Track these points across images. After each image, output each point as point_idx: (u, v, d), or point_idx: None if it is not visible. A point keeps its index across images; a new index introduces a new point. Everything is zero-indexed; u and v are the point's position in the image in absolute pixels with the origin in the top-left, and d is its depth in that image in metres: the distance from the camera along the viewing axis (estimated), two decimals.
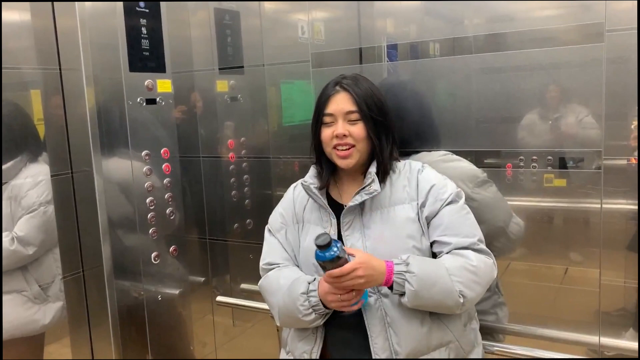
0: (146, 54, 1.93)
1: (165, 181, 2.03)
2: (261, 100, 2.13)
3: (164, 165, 2.02)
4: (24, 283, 1.80)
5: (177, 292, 2.11)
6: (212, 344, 2.33)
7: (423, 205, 1.44)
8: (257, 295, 1.93)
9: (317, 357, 1.46)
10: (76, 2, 1.78)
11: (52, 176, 1.86)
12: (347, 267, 1.29)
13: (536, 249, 1.66)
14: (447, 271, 1.35)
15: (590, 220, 1.56)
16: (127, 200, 1.93)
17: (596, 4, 1.45)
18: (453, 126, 1.71)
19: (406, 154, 1.67)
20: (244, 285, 2.23)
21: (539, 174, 1.60)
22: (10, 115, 1.73)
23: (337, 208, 1.49)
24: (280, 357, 1.61)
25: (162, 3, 1.97)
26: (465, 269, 1.36)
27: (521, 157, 1.62)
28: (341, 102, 1.45)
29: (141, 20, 1.91)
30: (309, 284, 1.41)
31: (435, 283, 1.33)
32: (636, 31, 1.41)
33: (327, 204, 1.48)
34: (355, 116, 1.44)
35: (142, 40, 1.91)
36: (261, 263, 1.57)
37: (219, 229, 2.26)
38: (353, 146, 1.44)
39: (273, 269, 1.53)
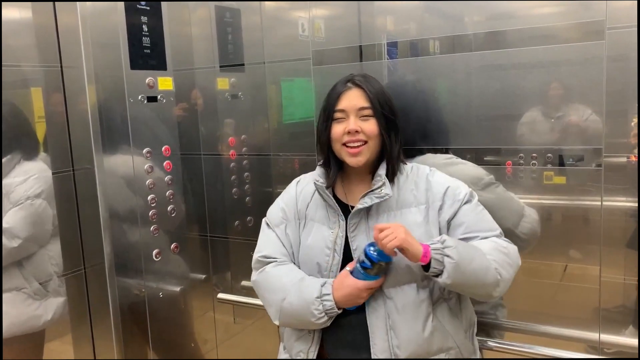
0: (147, 51, 1.93)
1: (166, 178, 2.03)
2: (262, 97, 2.13)
3: (165, 163, 2.02)
4: (23, 280, 1.80)
5: (178, 289, 2.11)
6: (213, 341, 2.34)
7: (440, 208, 1.43)
8: None
9: (314, 357, 1.45)
10: (77, 1, 1.78)
11: (53, 173, 1.86)
12: (390, 224, 1.33)
13: (536, 246, 1.66)
14: (481, 251, 1.36)
15: (591, 217, 1.56)
16: (128, 197, 1.94)
17: (596, 2, 1.45)
18: (453, 124, 1.71)
19: (407, 152, 1.67)
20: (244, 283, 2.23)
21: (538, 171, 1.60)
22: (5, 114, 1.72)
23: (343, 208, 1.47)
24: (279, 352, 1.61)
25: (162, 1, 1.98)
26: (498, 250, 1.38)
27: (521, 155, 1.62)
28: (354, 99, 1.43)
29: (142, 18, 1.91)
30: (322, 287, 1.39)
31: (474, 258, 1.33)
32: (636, 29, 1.41)
33: (337, 205, 1.46)
34: (367, 112, 1.43)
35: (143, 38, 1.91)
36: (256, 255, 1.54)
37: (220, 226, 2.27)
38: (365, 143, 1.42)
39: (269, 262, 1.50)
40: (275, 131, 2.14)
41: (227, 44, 2.15)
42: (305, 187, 1.55)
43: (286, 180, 1.67)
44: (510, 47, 1.58)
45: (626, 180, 1.49)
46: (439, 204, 1.43)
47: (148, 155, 1.97)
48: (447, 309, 1.45)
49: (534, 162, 1.60)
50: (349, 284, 1.37)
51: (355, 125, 1.41)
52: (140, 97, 1.93)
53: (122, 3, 1.84)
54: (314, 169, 1.57)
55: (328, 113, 1.46)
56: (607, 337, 1.55)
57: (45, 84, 1.84)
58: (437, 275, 1.32)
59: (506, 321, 1.69)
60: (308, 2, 1.93)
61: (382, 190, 1.41)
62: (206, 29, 2.16)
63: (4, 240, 1.73)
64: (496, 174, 1.65)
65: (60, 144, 1.88)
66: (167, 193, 2.04)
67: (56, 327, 1.93)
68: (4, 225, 1.74)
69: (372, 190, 1.42)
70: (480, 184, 1.59)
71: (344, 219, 1.45)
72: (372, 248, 1.35)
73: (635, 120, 1.45)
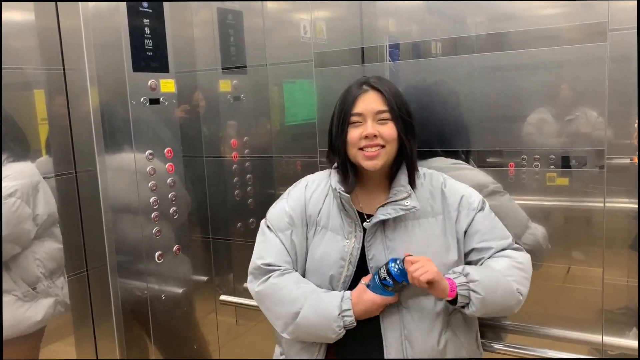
0: (149, 54, 1.93)
1: (168, 180, 2.03)
2: (264, 99, 2.13)
3: (167, 165, 2.03)
4: (12, 283, 1.77)
5: (180, 291, 2.11)
6: (216, 343, 2.34)
7: (457, 218, 1.41)
8: None
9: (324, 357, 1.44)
10: (80, 2, 1.78)
11: (56, 176, 1.86)
12: (420, 257, 1.30)
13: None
14: (501, 273, 1.35)
15: (593, 219, 1.56)
16: (130, 199, 1.94)
17: (599, 3, 1.45)
18: (456, 125, 1.70)
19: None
20: (247, 285, 2.23)
21: (541, 173, 1.60)
22: None
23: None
24: (275, 353, 1.59)
25: (165, 3, 1.98)
26: (515, 268, 1.38)
27: (523, 156, 1.62)
28: (371, 102, 1.38)
29: (144, 20, 1.91)
30: (341, 302, 1.36)
31: (497, 286, 1.33)
32: (636, 31, 1.41)
33: (358, 217, 1.40)
34: (385, 116, 1.38)
35: (146, 40, 1.92)
36: (258, 262, 1.46)
37: (222, 228, 2.27)
38: (383, 147, 1.37)
39: (273, 271, 1.44)
40: (278, 133, 2.14)
41: (229, 46, 2.16)
42: (315, 191, 1.49)
43: (288, 182, 1.66)
44: (512, 49, 1.58)
45: (629, 182, 1.48)
46: (455, 214, 1.41)
47: (150, 157, 1.97)
48: (462, 319, 1.44)
49: (536, 163, 1.60)
50: (368, 298, 1.34)
51: (374, 130, 1.36)
52: (142, 99, 1.93)
53: (125, 5, 1.85)
54: (315, 171, 1.56)
55: (344, 117, 1.40)
56: (610, 340, 1.55)
57: (48, 86, 1.85)
58: (464, 307, 1.32)
59: (509, 323, 1.68)
60: (310, 3, 1.93)
61: (409, 203, 1.36)
62: (208, 31, 2.16)
63: None
64: (499, 175, 1.64)
65: (62, 147, 1.88)
66: (170, 195, 2.04)
67: (58, 328, 1.93)
68: None
69: (395, 201, 1.37)
70: (486, 191, 1.57)
71: (362, 230, 1.40)
72: (394, 265, 1.32)
73: (637, 122, 1.45)
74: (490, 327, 1.67)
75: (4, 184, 1.72)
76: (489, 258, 1.41)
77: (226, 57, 2.16)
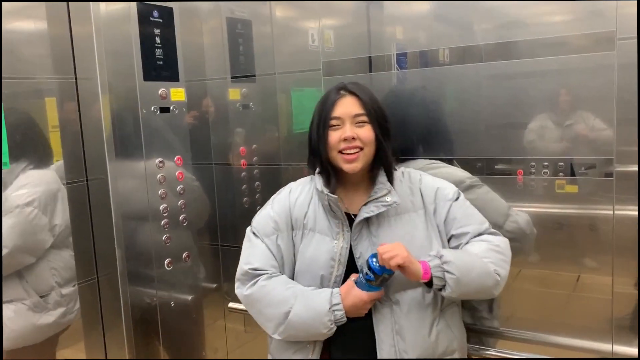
0: (160, 63, 1.96)
1: (178, 188, 2.05)
2: (272, 107, 2.14)
3: (177, 173, 2.04)
4: (23, 292, 1.77)
5: (189, 298, 2.12)
6: (224, 350, 2.34)
7: (435, 211, 1.47)
8: None
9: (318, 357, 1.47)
10: (91, 3, 1.79)
11: (67, 184, 1.88)
12: (392, 244, 1.35)
13: (548, 255, 1.65)
14: (477, 255, 1.39)
15: (603, 226, 1.55)
16: (141, 207, 1.96)
17: (608, 10, 1.45)
18: (464, 134, 1.71)
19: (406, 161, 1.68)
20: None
21: (550, 180, 1.60)
22: (17, 123, 1.72)
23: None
24: None
25: (175, 12, 2.00)
26: (492, 250, 1.41)
27: (532, 164, 1.62)
28: (349, 106, 1.45)
29: (155, 30, 1.94)
30: (331, 297, 1.40)
31: (472, 267, 1.36)
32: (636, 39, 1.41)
33: (345, 217, 1.46)
34: (363, 119, 1.44)
35: (156, 50, 1.94)
36: (245, 267, 1.49)
37: (231, 236, 2.28)
38: (361, 149, 1.43)
39: (260, 275, 1.48)
40: (286, 140, 2.15)
41: (238, 55, 2.18)
42: (299, 196, 1.54)
43: None
44: (521, 58, 1.58)
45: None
46: (432, 207, 1.47)
47: (160, 165, 1.99)
48: (458, 313, 1.50)
49: (545, 170, 1.60)
50: (355, 294, 1.39)
51: (352, 132, 1.42)
52: (153, 108, 1.95)
53: (135, 12, 1.87)
54: None
55: (324, 121, 1.46)
56: (620, 348, 1.54)
57: (60, 94, 1.86)
58: (440, 289, 1.35)
59: (518, 331, 1.68)
60: (318, 11, 1.94)
61: (389, 199, 1.42)
62: (218, 40, 2.18)
63: None
64: (507, 183, 1.65)
65: (74, 154, 1.90)
66: (179, 202, 2.06)
67: (69, 334, 1.94)
68: None
69: (376, 198, 1.43)
70: (464, 186, 1.62)
71: (349, 229, 1.45)
72: (374, 260, 1.36)
73: None
74: (500, 335, 1.67)
75: (22, 192, 1.73)
76: (466, 243, 1.45)
77: (235, 66, 2.18)
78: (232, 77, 2.19)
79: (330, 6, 1.93)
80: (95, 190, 1.92)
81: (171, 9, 1.99)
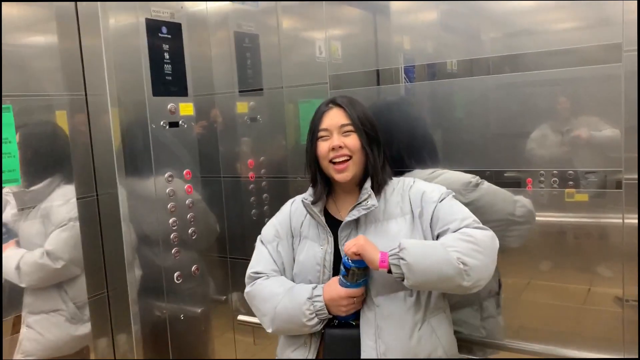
0: (169, 78, 1.97)
1: (187, 201, 2.06)
2: (280, 120, 2.16)
3: (186, 186, 2.06)
4: (61, 302, 1.83)
5: (199, 310, 2.13)
6: None
7: (421, 214, 1.50)
8: None
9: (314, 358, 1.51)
10: (101, 24, 1.81)
11: (78, 199, 1.89)
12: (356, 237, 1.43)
13: (557, 265, 1.65)
14: (441, 245, 1.39)
15: (613, 236, 1.55)
16: (150, 221, 1.97)
17: (614, 18, 1.46)
18: (472, 145, 1.72)
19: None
20: None
21: (559, 189, 1.60)
22: (47, 135, 1.78)
23: (336, 223, 1.55)
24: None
25: (183, 27, 2.02)
26: (460, 240, 1.39)
27: (542, 172, 1.62)
28: (336, 117, 1.54)
29: (164, 45, 1.96)
30: (313, 289, 1.48)
31: (428, 254, 1.37)
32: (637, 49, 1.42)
33: (325, 223, 1.55)
34: (349, 128, 1.53)
35: (165, 65, 1.96)
36: (249, 271, 1.62)
37: (240, 248, 2.28)
38: (350, 158, 1.51)
39: (260, 277, 1.58)
40: (293, 153, 2.16)
41: (246, 69, 2.19)
42: (299, 205, 1.64)
43: None
44: (529, 69, 1.59)
45: None
46: (418, 210, 1.50)
47: (170, 179, 2.00)
48: (445, 318, 1.53)
49: (554, 179, 1.60)
50: (333, 288, 1.46)
51: (339, 141, 1.51)
52: (162, 122, 1.97)
53: (144, 27, 1.89)
54: None
55: (313, 133, 1.57)
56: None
57: (70, 108, 1.88)
58: (403, 280, 1.37)
59: (526, 344, 1.67)
60: (324, 21, 1.95)
61: (368, 202, 1.49)
62: (225, 54, 2.19)
63: (49, 262, 1.77)
64: (517, 193, 1.65)
65: (84, 169, 1.91)
66: (188, 216, 2.06)
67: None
68: (47, 247, 1.78)
69: (359, 203, 1.50)
70: (470, 186, 1.66)
71: (332, 235, 1.54)
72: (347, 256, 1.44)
73: None
74: (510, 350, 1.66)
75: (68, 208, 1.81)
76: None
77: (243, 79, 2.20)
78: (240, 91, 2.20)
79: (336, 16, 1.94)
80: (105, 205, 1.94)
81: (179, 24, 2.01)
